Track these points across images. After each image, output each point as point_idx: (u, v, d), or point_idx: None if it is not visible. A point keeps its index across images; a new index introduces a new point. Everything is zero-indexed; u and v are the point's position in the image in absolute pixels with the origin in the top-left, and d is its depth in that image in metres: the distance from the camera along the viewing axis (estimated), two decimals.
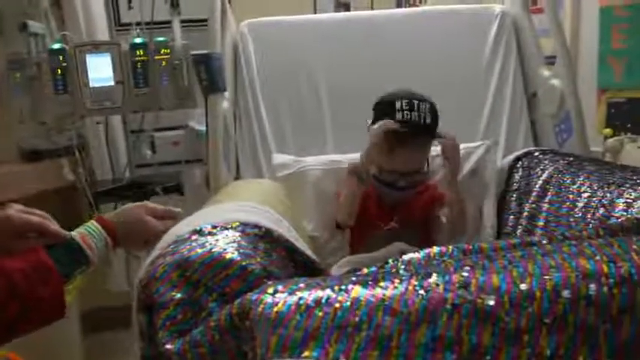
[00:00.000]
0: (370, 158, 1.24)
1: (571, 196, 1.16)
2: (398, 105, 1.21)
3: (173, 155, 1.91)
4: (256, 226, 0.78)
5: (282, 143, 1.63)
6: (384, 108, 1.24)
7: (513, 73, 1.65)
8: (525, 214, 1.30)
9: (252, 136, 1.61)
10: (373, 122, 1.26)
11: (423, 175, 1.27)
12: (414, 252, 0.66)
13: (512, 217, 1.36)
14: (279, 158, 1.50)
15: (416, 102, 1.20)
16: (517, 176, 1.40)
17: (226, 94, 1.43)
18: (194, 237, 0.70)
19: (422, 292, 0.50)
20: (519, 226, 1.31)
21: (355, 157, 1.36)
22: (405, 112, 1.20)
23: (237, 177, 1.59)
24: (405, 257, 0.65)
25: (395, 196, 1.29)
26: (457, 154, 1.28)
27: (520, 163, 1.42)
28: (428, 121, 1.20)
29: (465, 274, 0.52)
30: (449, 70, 1.64)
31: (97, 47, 1.51)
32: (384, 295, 0.49)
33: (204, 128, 1.47)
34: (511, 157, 1.47)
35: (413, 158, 1.23)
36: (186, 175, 1.94)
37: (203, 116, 1.43)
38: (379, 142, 1.21)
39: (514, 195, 1.38)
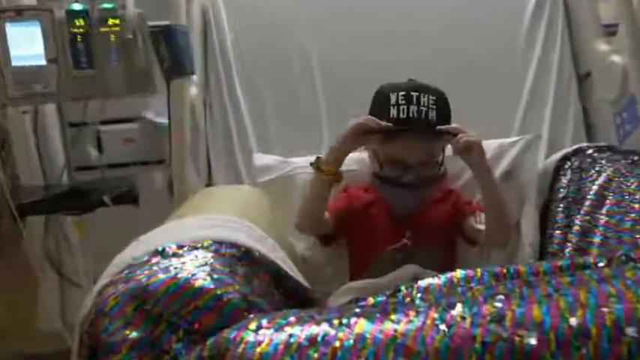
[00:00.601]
0: (342, 149, 1.27)
1: (636, 205, 1.17)
2: (393, 99, 1.24)
3: (125, 155, 1.91)
4: (234, 244, 0.79)
5: (265, 140, 1.64)
6: (379, 102, 1.28)
7: (559, 48, 1.67)
8: (576, 228, 1.31)
9: (227, 130, 1.62)
10: None
11: (435, 168, 1.29)
12: (432, 277, 0.67)
13: (558, 232, 1.36)
14: (261, 159, 1.51)
15: (415, 94, 1.24)
16: (565, 180, 1.42)
17: (194, 77, 1.44)
18: (154, 259, 0.70)
19: (443, 327, 0.51)
20: (568, 244, 1.32)
21: (358, 157, 1.37)
22: (402, 107, 1.23)
23: (209, 183, 1.60)
24: (422, 283, 0.66)
25: (405, 203, 1.31)
26: (475, 147, 1.26)
27: (569, 163, 1.44)
28: (431, 115, 1.24)
29: (498, 304, 0.53)
30: (475, 44, 1.66)
31: (20, 14, 1.48)
32: (395, 330, 0.50)
33: (165, 121, 1.48)
34: (557, 155, 1.49)
35: (418, 147, 1.26)
36: (143, 180, 1.93)
37: (164, 105, 1.44)
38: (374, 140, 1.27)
39: (561, 204, 1.39)
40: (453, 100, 1.32)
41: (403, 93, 1.24)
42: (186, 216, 1.00)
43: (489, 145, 1.47)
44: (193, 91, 1.42)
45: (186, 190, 1.34)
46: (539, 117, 1.64)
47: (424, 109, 1.23)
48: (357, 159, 1.44)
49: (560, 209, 1.38)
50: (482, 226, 1.32)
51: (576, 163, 1.42)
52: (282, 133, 1.65)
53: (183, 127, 1.35)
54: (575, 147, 1.48)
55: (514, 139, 1.52)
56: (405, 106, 1.23)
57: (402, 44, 1.64)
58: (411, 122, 1.23)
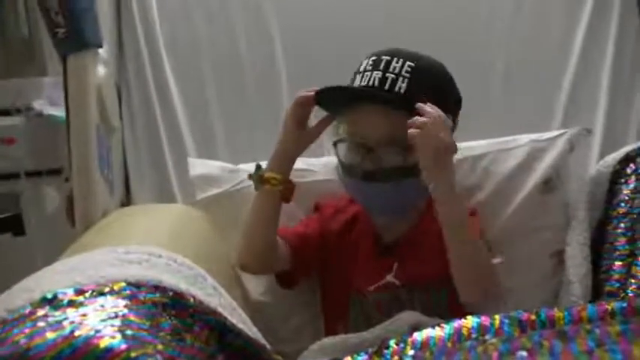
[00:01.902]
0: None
1: None
2: (363, 65, 1.30)
3: (5, 163, 1.91)
4: (157, 287, 0.79)
5: (206, 141, 1.67)
6: (355, 72, 1.33)
7: (619, 13, 1.72)
8: None
9: (152, 128, 1.64)
10: None
11: (402, 156, 1.28)
12: (435, 326, 0.69)
13: (619, 263, 1.38)
14: (200, 167, 1.53)
15: (385, 58, 1.27)
16: (627, 191, 1.44)
17: (102, 51, 1.45)
18: (40, 311, 0.70)
19: None
20: (632, 280, 1.34)
21: (335, 164, 1.40)
22: (366, 73, 1.28)
23: (128, 201, 1.61)
24: (419, 336, 0.68)
25: (375, 203, 1.33)
26: (431, 134, 1.18)
27: (632, 166, 1.46)
28: (399, 85, 1.25)
29: None
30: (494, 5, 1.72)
31: None
32: None
33: (61, 113, 1.48)
34: (616, 155, 1.51)
35: (373, 123, 1.28)
36: (31, 198, 1.93)
37: (59, 90, 1.44)
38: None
39: (622, 224, 1.41)
40: (468, 85, 1.36)
41: (374, 58, 1.28)
42: (92, 247, 1.00)
43: (516, 144, 1.53)
44: (101, 71, 1.42)
45: (92, 213, 1.34)
46: (590, 106, 1.69)
47: (391, 76, 1.25)
48: (329, 164, 1.47)
49: (620, 231, 1.41)
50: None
51: None
52: (229, 132, 1.68)
53: (86, 122, 1.35)
54: None
55: (553, 133, 1.55)
56: (369, 73, 1.27)
57: (393, 20, 1.71)
58: (368, 91, 1.27)
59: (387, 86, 1.25)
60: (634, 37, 1.73)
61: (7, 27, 1.45)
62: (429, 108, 1.20)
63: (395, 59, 1.27)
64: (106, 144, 1.45)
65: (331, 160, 1.47)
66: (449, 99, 1.32)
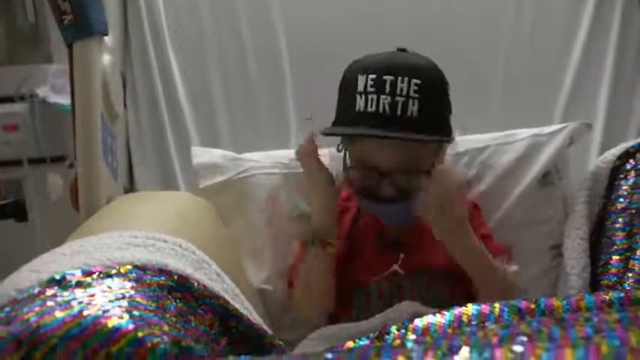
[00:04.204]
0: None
1: None
2: (361, 83, 1.24)
3: (7, 150, 1.92)
4: (163, 271, 0.81)
5: (209, 130, 1.68)
6: (345, 86, 1.29)
7: (621, 8, 1.73)
8: None
9: (156, 116, 1.65)
10: (336, 108, 1.32)
11: (422, 178, 1.27)
12: (435, 313, 0.70)
13: (617, 257, 1.39)
14: (203, 155, 1.54)
15: (389, 79, 1.22)
16: (626, 186, 1.45)
17: (107, 39, 1.45)
18: (49, 291, 0.71)
19: None
20: (630, 275, 1.34)
21: (334, 154, 1.41)
22: (370, 96, 1.22)
23: (130, 189, 1.63)
24: (420, 322, 0.69)
25: (390, 217, 1.33)
26: (446, 214, 1.19)
27: (632, 162, 1.47)
28: (411, 109, 1.22)
29: (518, 348, 0.55)
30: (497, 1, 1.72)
31: None
32: None
33: (67, 101, 1.48)
34: (615, 151, 1.51)
35: (391, 153, 1.26)
36: (34, 185, 1.94)
37: (64, 79, 1.44)
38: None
39: (621, 219, 1.42)
40: (469, 87, 1.39)
41: (374, 76, 1.23)
42: (96, 232, 1.00)
43: (517, 137, 1.54)
44: (106, 59, 1.43)
45: (96, 198, 1.35)
46: (590, 99, 1.70)
47: (401, 99, 1.21)
48: (331, 154, 1.48)
49: (618, 226, 1.42)
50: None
51: None
52: (233, 121, 1.69)
53: (91, 109, 1.35)
54: None
55: (553, 127, 1.57)
56: (375, 96, 1.22)
57: (396, 12, 1.71)
58: (379, 119, 1.22)
59: (398, 112, 1.21)
60: (636, 34, 1.74)
61: (14, 14, 1.45)
62: (440, 177, 1.19)
63: (399, 79, 1.22)
64: (110, 131, 1.45)
65: (332, 151, 1.46)
66: (449, 101, 1.31)
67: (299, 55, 1.71)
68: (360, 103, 1.23)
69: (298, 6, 1.73)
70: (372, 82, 1.22)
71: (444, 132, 1.28)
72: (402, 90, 1.21)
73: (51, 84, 1.89)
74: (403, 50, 1.30)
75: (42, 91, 1.90)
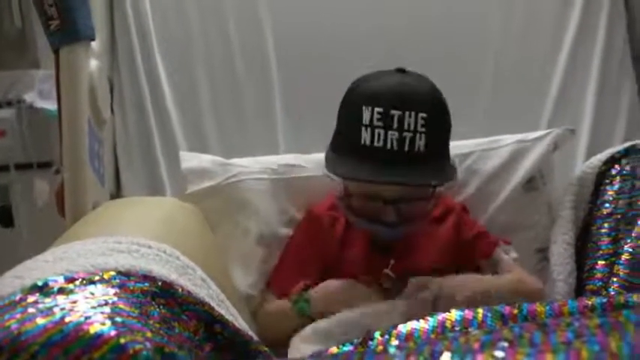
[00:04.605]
0: None
1: None
2: (366, 116, 1.24)
3: None
4: (147, 277, 0.80)
5: (197, 134, 1.68)
6: (349, 114, 1.30)
7: (607, 14, 1.75)
8: (626, 257, 1.35)
9: (143, 121, 1.65)
10: (336, 134, 1.34)
11: (425, 205, 1.32)
12: (419, 319, 0.70)
13: (602, 262, 1.40)
14: (192, 160, 1.53)
15: (397, 114, 1.23)
16: (611, 191, 1.46)
17: (95, 44, 1.45)
18: (31, 298, 0.71)
19: None
20: (614, 279, 1.35)
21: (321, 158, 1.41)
22: (377, 131, 1.23)
23: (118, 194, 1.62)
24: (403, 328, 0.69)
25: (386, 236, 1.34)
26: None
27: (617, 167, 1.48)
28: (418, 144, 1.23)
29: (499, 353, 0.56)
30: (482, 7, 1.73)
31: None
32: None
33: (53, 107, 1.47)
34: (601, 156, 1.53)
35: (396, 186, 1.27)
36: (20, 190, 1.93)
37: (50, 84, 1.44)
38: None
39: (606, 224, 1.43)
40: (457, 91, 1.36)
41: (380, 110, 1.24)
42: (82, 238, 1.00)
43: (501, 143, 1.55)
44: (93, 64, 1.42)
45: (82, 204, 1.34)
46: (576, 106, 1.72)
47: (408, 135, 1.23)
48: (319, 160, 1.48)
49: (604, 231, 1.43)
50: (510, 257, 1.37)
51: (628, 168, 1.47)
52: (221, 126, 1.69)
53: (78, 115, 1.35)
54: (627, 145, 1.53)
55: (538, 133, 1.58)
56: (382, 131, 1.23)
57: (384, 13, 1.72)
58: (387, 155, 1.23)
59: (406, 147, 1.23)
60: (622, 39, 1.76)
61: (0, 19, 1.45)
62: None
63: (407, 114, 1.23)
64: (97, 136, 1.45)
65: (321, 156, 1.47)
66: (450, 126, 1.33)
67: (287, 59, 1.71)
68: (365, 136, 1.24)
69: (286, 6, 1.73)
70: (378, 116, 1.23)
71: (447, 159, 1.32)
72: (409, 125, 1.23)
73: (38, 89, 1.88)
74: (402, 71, 1.31)
75: (29, 97, 1.89)
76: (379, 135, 1.23)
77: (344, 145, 1.30)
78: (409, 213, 1.29)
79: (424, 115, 1.23)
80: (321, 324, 1.20)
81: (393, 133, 1.22)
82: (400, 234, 1.32)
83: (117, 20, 1.67)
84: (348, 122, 1.29)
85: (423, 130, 1.23)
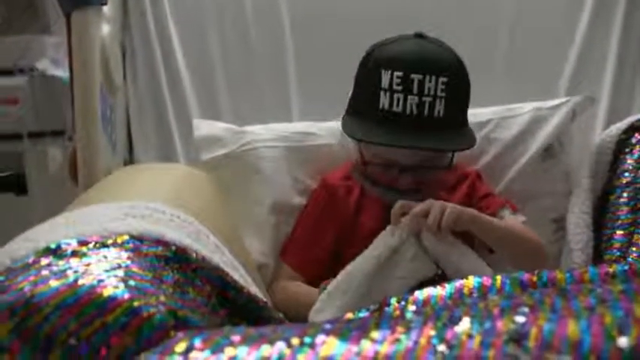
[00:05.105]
0: None
1: None
2: (386, 79, 1.24)
3: (6, 123, 1.91)
4: (160, 241, 0.80)
5: (210, 102, 1.67)
6: (368, 77, 1.29)
7: None
8: None
9: (156, 88, 1.64)
10: (353, 98, 1.32)
11: (441, 172, 1.32)
12: (436, 285, 0.70)
13: (620, 232, 1.40)
14: (205, 128, 1.53)
15: (417, 77, 1.23)
16: (631, 160, 1.46)
17: (106, 9, 1.44)
18: (44, 260, 0.71)
19: (442, 347, 0.52)
20: (633, 249, 1.36)
21: (334, 126, 1.39)
22: (396, 95, 1.23)
23: (129, 161, 1.62)
24: (420, 294, 0.68)
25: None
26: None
27: (637, 136, 1.47)
28: (438, 109, 1.24)
29: (520, 318, 0.55)
30: None
31: None
32: (377, 352, 0.51)
33: (65, 74, 1.47)
34: (620, 125, 1.52)
35: (414, 151, 1.27)
36: (34, 158, 1.94)
37: (62, 51, 1.43)
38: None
39: (625, 193, 1.43)
40: (473, 54, 1.35)
41: (400, 74, 1.23)
42: (94, 203, 1.00)
43: (519, 111, 1.54)
44: (105, 29, 1.42)
45: (95, 171, 1.34)
46: (595, 73, 1.69)
47: (428, 99, 1.23)
48: (333, 129, 1.48)
49: (623, 200, 1.43)
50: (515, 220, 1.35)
51: None
52: (234, 94, 1.68)
53: (90, 82, 1.34)
54: None
55: (556, 101, 1.57)
56: (401, 96, 1.23)
57: None
58: (406, 120, 1.23)
59: (425, 112, 1.23)
60: None
61: None
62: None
63: (427, 78, 1.22)
64: (109, 102, 1.44)
65: (335, 124, 1.47)
66: (470, 93, 1.33)
67: (301, 26, 1.69)
68: (384, 100, 1.24)
69: None
70: (398, 80, 1.22)
71: (466, 126, 1.32)
72: (429, 90, 1.22)
73: (50, 57, 1.88)
74: (421, 36, 1.30)
75: (41, 64, 1.89)
76: (398, 100, 1.22)
77: (362, 109, 1.29)
78: (425, 181, 1.28)
79: (444, 79, 1.23)
80: (328, 286, 1.19)
81: (412, 98, 1.22)
82: (415, 200, 1.30)
83: None
84: (367, 86, 1.28)
85: (443, 95, 1.23)
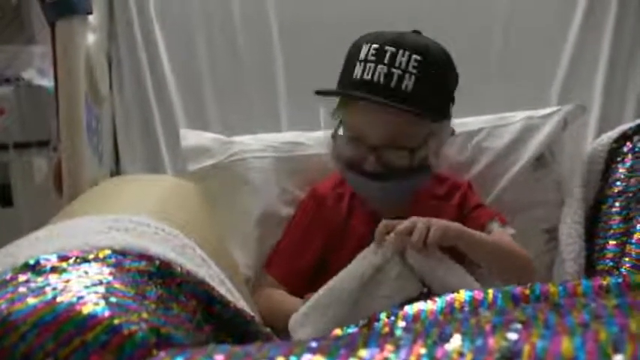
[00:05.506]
0: None
1: None
2: (363, 52, 1.25)
3: None
4: (143, 256, 0.78)
5: (197, 112, 1.66)
6: (350, 54, 1.30)
7: None
8: (638, 236, 1.34)
9: (143, 98, 1.63)
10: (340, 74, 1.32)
11: (407, 157, 1.28)
12: (426, 300, 0.69)
13: (613, 242, 1.40)
14: (192, 138, 1.52)
15: (390, 50, 1.23)
16: (623, 169, 1.45)
17: (92, 18, 1.43)
18: (22, 277, 0.69)
19: None
20: (626, 259, 1.35)
21: (325, 136, 1.39)
22: (369, 65, 1.24)
23: (117, 172, 1.61)
24: (410, 309, 0.67)
25: (376, 198, 1.33)
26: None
27: (629, 145, 1.47)
28: (406, 83, 1.23)
29: (512, 335, 0.54)
30: None
31: None
32: None
33: (51, 84, 1.46)
34: (612, 134, 1.52)
35: (379, 124, 1.26)
36: (19, 169, 1.92)
37: (48, 61, 1.42)
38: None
39: (617, 203, 1.43)
40: (466, 62, 1.34)
41: (376, 46, 1.24)
42: (78, 216, 0.99)
43: (510, 120, 1.54)
44: (90, 39, 1.41)
45: (80, 182, 1.33)
46: (586, 81, 1.70)
47: (397, 72, 1.22)
48: (322, 138, 1.47)
49: (615, 210, 1.42)
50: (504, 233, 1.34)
51: None
52: (222, 104, 1.68)
53: (75, 91, 1.33)
54: (639, 121, 1.51)
55: (548, 110, 1.56)
56: (372, 65, 1.23)
57: None
58: (372, 87, 1.23)
59: (392, 84, 1.22)
60: (633, 14, 1.73)
61: None
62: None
63: (400, 52, 1.23)
64: (94, 112, 1.43)
65: (324, 134, 1.46)
66: (452, 87, 1.32)
67: (290, 34, 1.69)
68: (357, 70, 1.25)
69: None
70: (373, 52, 1.24)
71: (437, 115, 1.27)
72: (400, 63, 1.22)
73: (36, 67, 1.87)
74: (417, 32, 1.30)
75: (27, 74, 1.89)
76: (369, 68, 1.23)
77: (341, 81, 1.30)
78: (392, 164, 1.26)
79: (418, 57, 1.23)
80: (310, 300, 1.17)
81: (382, 67, 1.22)
82: (381, 189, 1.30)
83: None
84: (348, 60, 1.29)
85: (414, 71, 1.22)
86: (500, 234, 1.34)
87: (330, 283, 1.16)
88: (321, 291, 1.15)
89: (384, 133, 1.25)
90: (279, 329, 1.20)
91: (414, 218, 1.16)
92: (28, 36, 1.59)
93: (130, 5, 1.63)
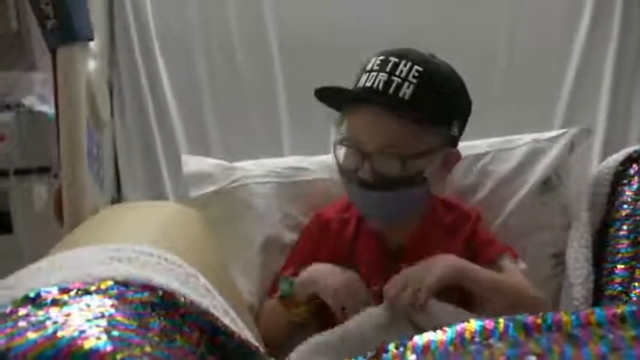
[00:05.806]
0: None
1: None
2: (370, 63, 1.28)
3: None
4: (146, 286, 0.77)
5: (199, 138, 1.66)
6: (360, 69, 1.31)
7: (621, 11, 1.73)
8: None
9: (144, 124, 1.63)
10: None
11: (397, 167, 1.26)
12: (436, 329, 0.68)
13: (621, 266, 1.38)
14: (194, 163, 1.52)
15: (393, 60, 1.25)
16: (630, 192, 1.44)
17: (93, 44, 1.43)
18: (22, 310, 0.68)
19: None
20: (636, 284, 1.34)
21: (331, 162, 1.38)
22: (372, 73, 1.26)
23: (118, 199, 1.60)
24: (420, 340, 0.65)
25: (371, 210, 1.32)
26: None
27: (636, 166, 1.46)
28: (404, 91, 1.23)
29: None
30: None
31: None
32: None
33: (51, 110, 1.46)
34: (618, 156, 1.51)
35: (374, 129, 1.26)
36: (19, 196, 1.92)
37: (49, 87, 1.42)
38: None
39: (625, 226, 1.41)
40: (470, 84, 1.34)
41: (382, 57, 1.26)
42: (79, 245, 0.98)
43: (516, 144, 1.54)
44: (91, 65, 1.40)
45: (81, 210, 1.31)
46: (591, 104, 1.70)
47: (397, 80, 1.23)
48: (325, 163, 1.48)
49: (623, 233, 1.41)
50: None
51: None
52: (223, 129, 1.67)
53: (76, 118, 1.32)
54: None
55: (554, 133, 1.56)
56: (375, 73, 1.25)
57: (401, 11, 1.71)
58: (369, 93, 1.24)
59: (390, 90, 1.23)
60: (636, 36, 1.74)
61: None
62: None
63: (403, 62, 1.24)
64: (96, 139, 1.43)
65: (327, 158, 1.46)
66: (456, 107, 1.31)
67: (291, 59, 1.70)
68: (362, 80, 1.27)
69: (290, 7, 1.72)
70: (378, 62, 1.26)
71: (434, 126, 1.27)
72: (401, 72, 1.23)
73: (37, 93, 1.88)
74: (432, 55, 1.31)
75: (28, 100, 1.89)
76: (372, 77, 1.25)
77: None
78: (385, 174, 1.25)
79: (420, 68, 1.23)
80: (322, 337, 1.17)
81: (383, 75, 1.24)
82: (374, 199, 1.28)
83: (116, 20, 1.64)
84: (360, 72, 1.31)
85: (414, 81, 1.23)
86: (511, 271, 1.34)
87: (336, 329, 1.17)
88: (329, 332, 1.16)
89: (378, 139, 1.25)
90: (274, 337, 1.27)
91: (404, 272, 1.20)
92: (29, 62, 1.59)
93: (131, 32, 1.64)
